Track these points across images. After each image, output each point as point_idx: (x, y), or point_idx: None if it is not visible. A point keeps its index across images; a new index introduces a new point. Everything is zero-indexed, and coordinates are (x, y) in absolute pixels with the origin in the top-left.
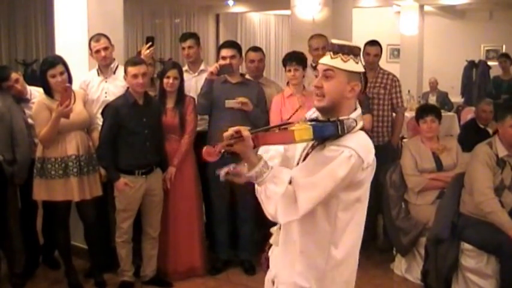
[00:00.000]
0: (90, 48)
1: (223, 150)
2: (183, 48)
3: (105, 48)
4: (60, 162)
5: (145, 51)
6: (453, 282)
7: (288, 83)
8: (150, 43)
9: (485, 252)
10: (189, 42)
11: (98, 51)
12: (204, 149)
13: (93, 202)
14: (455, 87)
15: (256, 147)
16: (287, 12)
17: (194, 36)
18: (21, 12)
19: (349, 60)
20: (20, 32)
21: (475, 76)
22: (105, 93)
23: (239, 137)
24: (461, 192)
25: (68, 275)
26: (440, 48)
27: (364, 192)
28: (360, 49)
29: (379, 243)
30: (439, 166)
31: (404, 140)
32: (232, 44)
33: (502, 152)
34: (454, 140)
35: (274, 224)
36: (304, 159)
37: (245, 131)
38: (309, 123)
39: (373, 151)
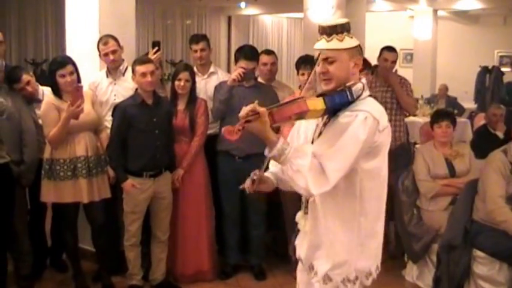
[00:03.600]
0: (98, 50)
1: (241, 128)
2: (195, 51)
3: (114, 52)
4: (69, 163)
5: (152, 56)
6: None
7: (300, 86)
8: (156, 48)
9: (497, 260)
10: (201, 45)
11: (106, 55)
12: (224, 128)
13: (102, 204)
14: (468, 92)
15: (273, 123)
16: (299, 15)
17: (206, 38)
18: (31, 11)
19: (344, 38)
20: (30, 32)
21: (488, 82)
22: (114, 95)
23: (256, 113)
24: (475, 199)
25: (75, 278)
26: (454, 53)
27: (382, 161)
28: (349, 24)
29: (390, 249)
30: (452, 172)
31: (417, 146)
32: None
33: None
34: (467, 146)
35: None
36: (319, 136)
37: (259, 107)
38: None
39: (385, 115)
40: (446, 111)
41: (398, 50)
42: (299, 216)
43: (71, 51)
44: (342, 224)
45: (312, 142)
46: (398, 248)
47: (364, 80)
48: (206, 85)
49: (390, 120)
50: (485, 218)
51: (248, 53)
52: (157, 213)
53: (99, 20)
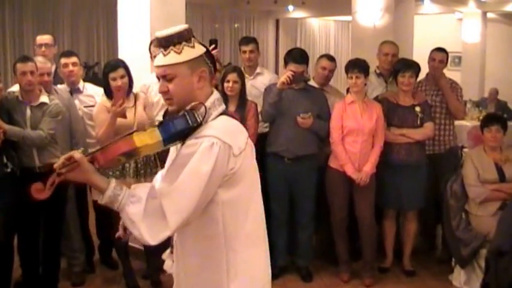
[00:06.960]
0: (150, 52)
1: (53, 183)
2: (244, 52)
3: None
4: None
5: None
6: None
7: (347, 89)
8: (213, 45)
9: None
10: (251, 47)
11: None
12: (33, 186)
13: None
14: None
15: (100, 167)
16: (347, 18)
17: (255, 41)
18: (83, 15)
19: (183, 48)
20: (82, 35)
21: None
22: None
23: (73, 162)
24: None
25: (125, 275)
26: (503, 56)
27: (247, 189)
28: (190, 30)
29: (437, 253)
30: (502, 177)
31: (465, 150)
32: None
33: None
34: None
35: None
36: None
37: (77, 154)
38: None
39: (243, 134)
40: (496, 115)
41: None
42: (165, 255)
43: (122, 54)
44: (209, 260)
45: None
46: (445, 253)
47: (215, 94)
48: (252, 85)
49: (439, 124)
50: None
51: (297, 56)
52: None
53: (151, 23)
